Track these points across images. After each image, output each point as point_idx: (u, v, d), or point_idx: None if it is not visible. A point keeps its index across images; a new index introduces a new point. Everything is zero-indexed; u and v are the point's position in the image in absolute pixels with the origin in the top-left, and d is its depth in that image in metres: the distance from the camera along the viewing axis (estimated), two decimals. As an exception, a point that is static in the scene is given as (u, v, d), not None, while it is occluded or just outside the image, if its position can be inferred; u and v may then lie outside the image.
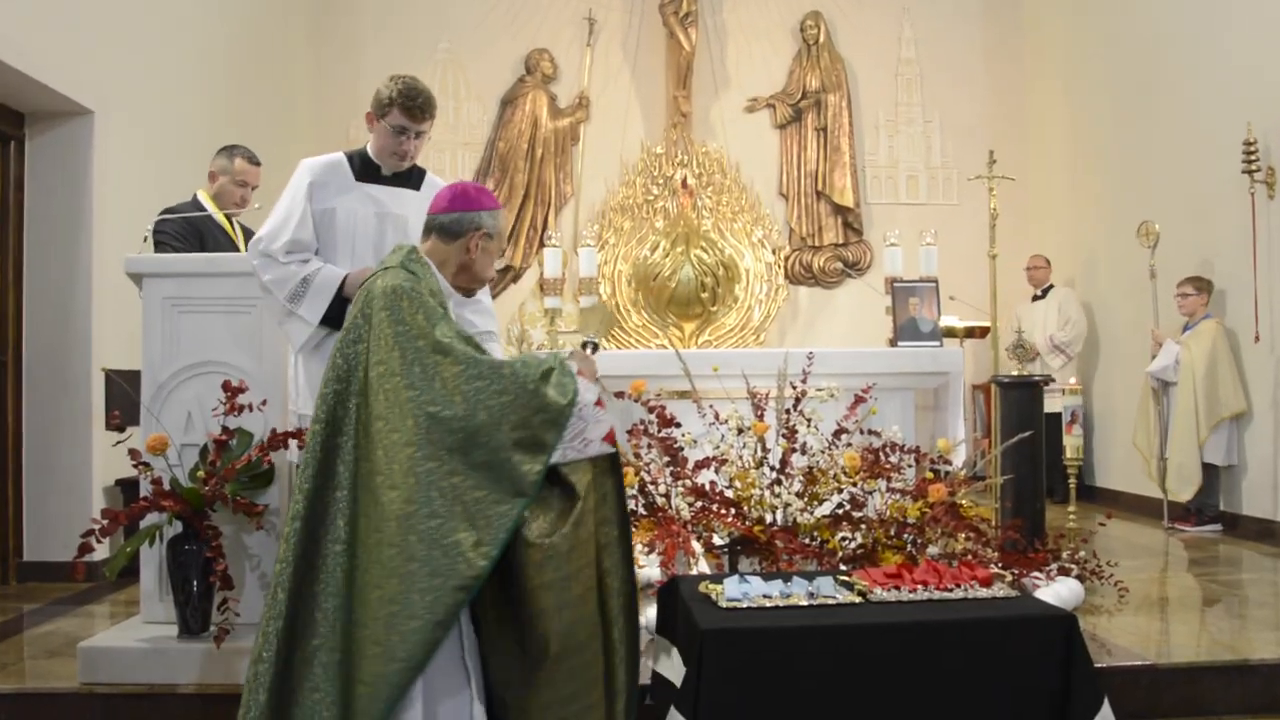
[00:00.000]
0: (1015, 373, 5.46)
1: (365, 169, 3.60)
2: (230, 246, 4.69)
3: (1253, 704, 3.59)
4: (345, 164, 3.60)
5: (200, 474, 3.57)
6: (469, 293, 2.91)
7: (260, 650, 2.46)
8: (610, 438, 2.58)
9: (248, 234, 4.91)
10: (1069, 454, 5.99)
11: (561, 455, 2.51)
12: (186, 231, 4.50)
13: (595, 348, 2.90)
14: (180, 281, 3.83)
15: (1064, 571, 4.51)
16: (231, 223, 4.79)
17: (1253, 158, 6.43)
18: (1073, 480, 6.08)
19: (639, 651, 2.72)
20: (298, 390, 3.57)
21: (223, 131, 5.70)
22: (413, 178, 3.67)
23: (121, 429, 3.64)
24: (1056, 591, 4.21)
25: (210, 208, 4.72)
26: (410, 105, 3.44)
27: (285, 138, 8.29)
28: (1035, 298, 8.72)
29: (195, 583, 3.55)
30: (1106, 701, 2.73)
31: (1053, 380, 6.08)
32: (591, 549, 2.56)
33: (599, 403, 2.60)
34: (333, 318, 3.30)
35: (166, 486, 3.53)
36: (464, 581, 2.38)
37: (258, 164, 4.88)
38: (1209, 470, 6.77)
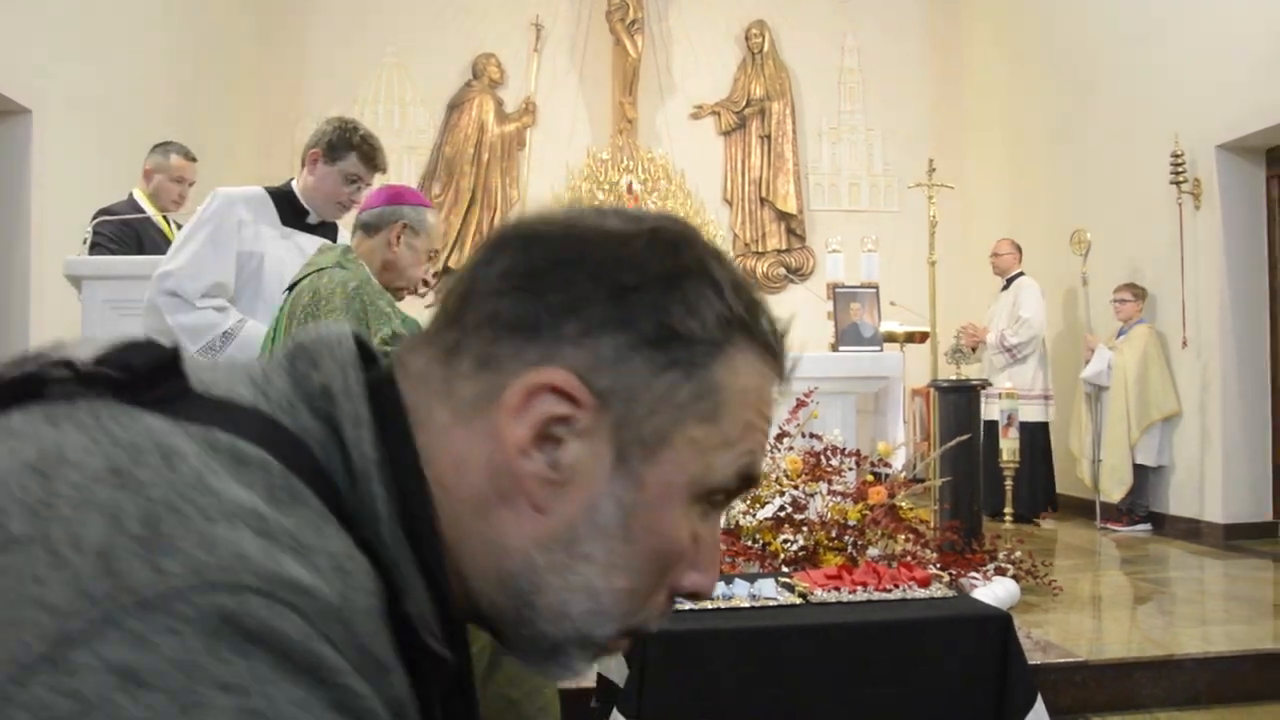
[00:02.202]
0: (953, 377, 5.56)
1: (290, 212, 3.21)
2: (168, 247, 4.62)
3: (1178, 697, 3.70)
4: (271, 202, 3.19)
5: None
6: (397, 295, 2.79)
7: None
8: None
9: (187, 234, 4.85)
10: (1005, 457, 6.12)
11: None
12: (124, 234, 4.43)
13: None
14: (120, 284, 3.78)
15: (1000, 571, 4.61)
16: (169, 222, 4.73)
17: (1180, 170, 6.62)
18: (1009, 482, 6.22)
19: None
20: None
21: (164, 133, 5.62)
22: (328, 229, 3.32)
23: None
24: (993, 591, 4.30)
25: (148, 208, 4.65)
26: (372, 153, 3.14)
27: (229, 139, 8.19)
28: (1003, 289, 7.87)
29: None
30: (1040, 698, 2.80)
31: (990, 385, 6.20)
32: None
33: None
34: None
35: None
36: None
37: (194, 160, 4.81)
38: (1140, 471, 6.96)
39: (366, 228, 2.75)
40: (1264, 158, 6.57)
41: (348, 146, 3.11)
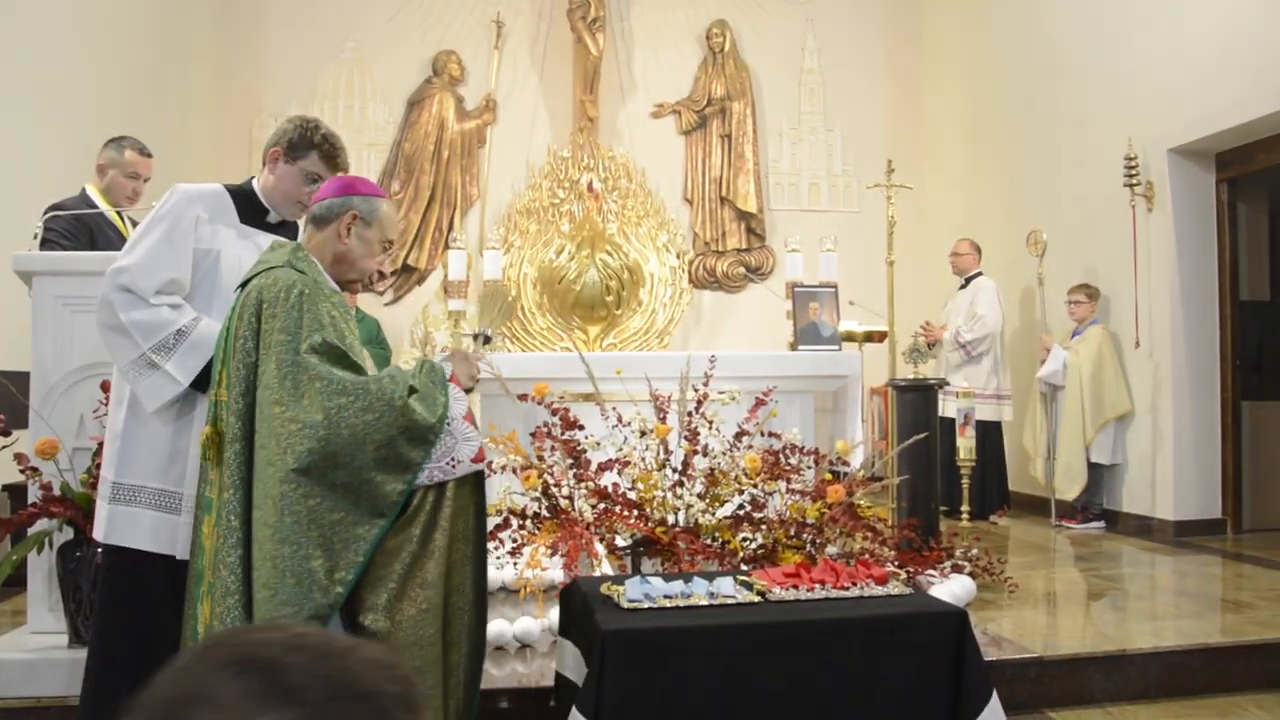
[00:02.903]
0: (911, 376, 5.61)
1: (250, 210, 3.11)
2: (122, 243, 4.55)
3: (1129, 691, 3.76)
4: (230, 200, 3.08)
5: (86, 478, 3.48)
6: (351, 288, 2.73)
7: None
8: (480, 457, 2.47)
9: (142, 231, 4.77)
10: (962, 455, 6.18)
11: (428, 476, 2.40)
12: (76, 229, 4.36)
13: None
14: (73, 280, 3.71)
15: (957, 569, 4.66)
16: (123, 218, 4.65)
17: (1133, 172, 6.72)
18: (966, 480, 6.28)
19: (480, 667, 2.63)
20: (118, 456, 2.92)
21: (118, 127, 5.53)
22: (288, 228, 3.22)
23: (7, 433, 3.53)
24: (950, 588, 4.35)
25: (101, 203, 4.57)
26: (333, 153, 3.07)
27: (185, 134, 8.08)
28: (961, 288, 7.98)
29: (86, 590, 3.45)
30: (995, 694, 2.83)
31: (947, 384, 6.25)
32: (442, 563, 2.46)
33: (469, 417, 2.48)
34: (204, 379, 2.77)
35: (56, 491, 3.43)
36: (318, 610, 2.26)
37: (149, 155, 4.71)
38: (1094, 469, 7.06)
39: (316, 220, 2.67)
40: (1214, 161, 6.69)
41: (308, 145, 3.05)
